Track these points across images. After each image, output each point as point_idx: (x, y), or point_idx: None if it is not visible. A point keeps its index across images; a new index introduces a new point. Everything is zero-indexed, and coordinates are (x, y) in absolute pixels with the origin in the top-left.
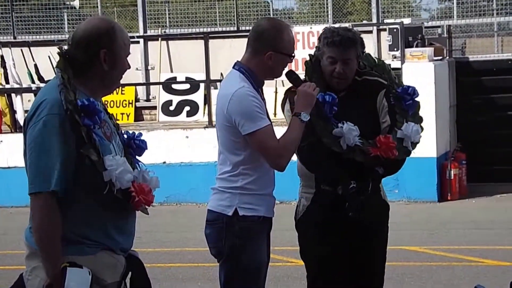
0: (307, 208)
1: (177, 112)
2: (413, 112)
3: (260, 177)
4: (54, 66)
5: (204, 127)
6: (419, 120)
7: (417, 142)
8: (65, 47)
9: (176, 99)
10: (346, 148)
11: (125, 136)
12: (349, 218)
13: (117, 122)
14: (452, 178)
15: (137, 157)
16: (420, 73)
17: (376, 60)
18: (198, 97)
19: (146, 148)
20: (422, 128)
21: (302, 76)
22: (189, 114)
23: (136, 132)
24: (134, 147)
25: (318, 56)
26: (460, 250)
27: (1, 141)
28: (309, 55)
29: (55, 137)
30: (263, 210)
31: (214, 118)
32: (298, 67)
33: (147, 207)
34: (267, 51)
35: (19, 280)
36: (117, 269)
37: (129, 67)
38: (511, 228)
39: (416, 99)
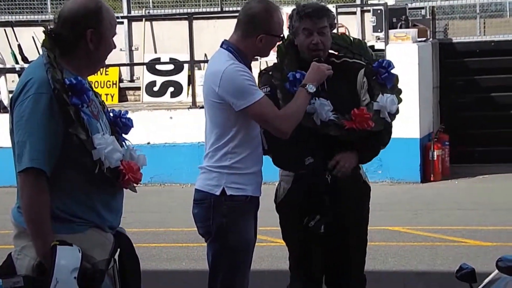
0: (288, 191)
1: (161, 93)
2: (391, 85)
3: (249, 155)
4: (40, 45)
5: (188, 108)
6: (398, 92)
7: (395, 113)
8: (51, 26)
9: (160, 79)
10: (320, 124)
11: (111, 114)
12: (330, 200)
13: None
14: (435, 159)
15: (123, 135)
16: (403, 54)
17: (352, 38)
18: (182, 78)
19: (132, 126)
20: (400, 100)
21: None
22: (173, 95)
23: (122, 110)
24: (120, 125)
25: (291, 36)
26: (443, 231)
27: None
28: (281, 37)
29: (43, 116)
30: (250, 190)
31: (198, 99)
32: None
33: (135, 185)
34: (259, 34)
35: (7, 259)
36: (105, 247)
37: (115, 47)
38: (493, 209)
39: (392, 71)
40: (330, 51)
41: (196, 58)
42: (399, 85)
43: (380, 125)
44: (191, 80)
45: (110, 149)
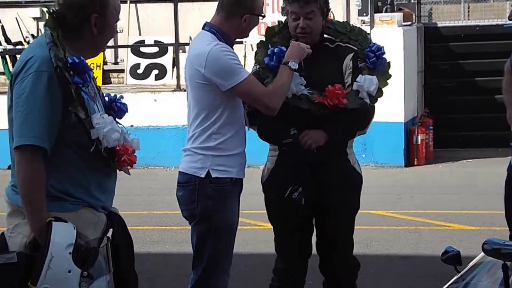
0: (271, 171)
1: (145, 75)
2: (381, 70)
3: (233, 136)
4: (23, 26)
5: (172, 91)
6: (386, 77)
7: (376, 95)
8: (56, 7)
9: (144, 62)
10: (291, 97)
11: (107, 98)
12: (312, 179)
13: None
14: (419, 143)
15: (117, 119)
16: (389, 38)
17: (353, 26)
18: (166, 60)
19: (127, 111)
20: (385, 84)
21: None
22: (157, 78)
23: (118, 95)
24: (115, 109)
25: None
26: (427, 215)
27: None
28: (278, 21)
29: (43, 94)
30: (235, 172)
31: (182, 82)
32: None
33: (129, 167)
34: (244, 14)
35: (0, 238)
36: (98, 226)
37: (117, 32)
38: (476, 193)
39: (383, 56)
40: (327, 36)
41: (181, 41)
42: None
43: (354, 104)
44: (175, 62)
45: (108, 129)
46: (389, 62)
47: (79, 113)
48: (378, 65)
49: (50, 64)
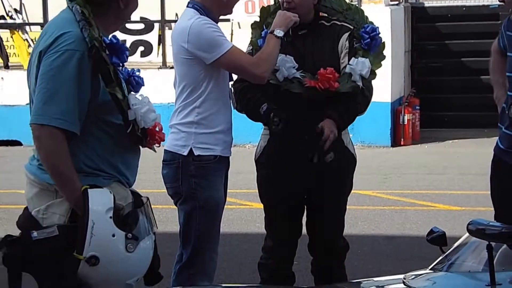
0: (263, 149)
1: (130, 52)
2: (375, 51)
3: (217, 112)
4: (6, 2)
5: (158, 68)
6: (379, 58)
7: (369, 78)
8: None
9: (130, 39)
10: (283, 80)
11: (123, 73)
12: (302, 160)
13: None
14: (406, 123)
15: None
16: (376, 17)
17: (350, 5)
18: (152, 37)
19: (143, 85)
20: (379, 65)
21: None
22: (143, 55)
23: (134, 69)
24: (133, 84)
25: None
26: (413, 195)
27: None
28: (274, 1)
29: (73, 74)
30: (219, 150)
31: (168, 59)
32: (255, 8)
33: (157, 145)
34: None
35: (29, 219)
36: (128, 200)
37: (137, 5)
38: (462, 174)
39: (377, 37)
40: (323, 14)
41: (167, 18)
42: None
43: (346, 87)
44: (161, 39)
45: (146, 110)
46: (383, 43)
47: (117, 94)
48: (372, 46)
49: (82, 44)
